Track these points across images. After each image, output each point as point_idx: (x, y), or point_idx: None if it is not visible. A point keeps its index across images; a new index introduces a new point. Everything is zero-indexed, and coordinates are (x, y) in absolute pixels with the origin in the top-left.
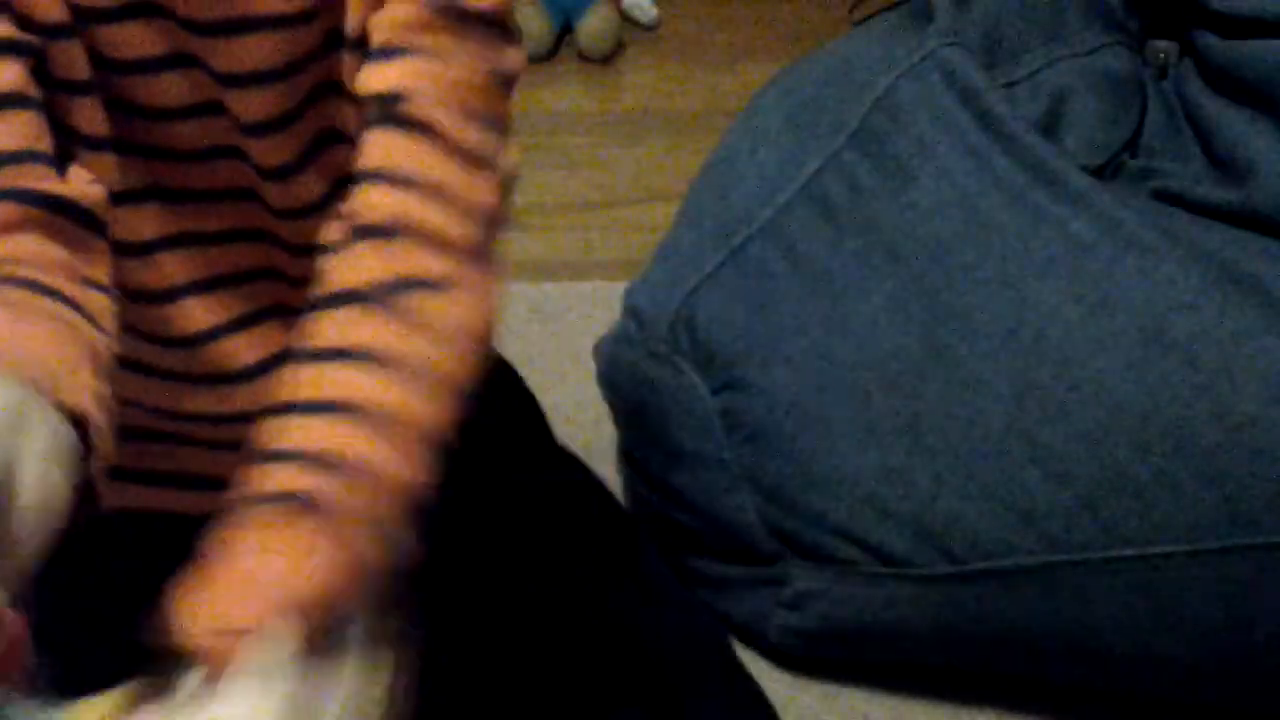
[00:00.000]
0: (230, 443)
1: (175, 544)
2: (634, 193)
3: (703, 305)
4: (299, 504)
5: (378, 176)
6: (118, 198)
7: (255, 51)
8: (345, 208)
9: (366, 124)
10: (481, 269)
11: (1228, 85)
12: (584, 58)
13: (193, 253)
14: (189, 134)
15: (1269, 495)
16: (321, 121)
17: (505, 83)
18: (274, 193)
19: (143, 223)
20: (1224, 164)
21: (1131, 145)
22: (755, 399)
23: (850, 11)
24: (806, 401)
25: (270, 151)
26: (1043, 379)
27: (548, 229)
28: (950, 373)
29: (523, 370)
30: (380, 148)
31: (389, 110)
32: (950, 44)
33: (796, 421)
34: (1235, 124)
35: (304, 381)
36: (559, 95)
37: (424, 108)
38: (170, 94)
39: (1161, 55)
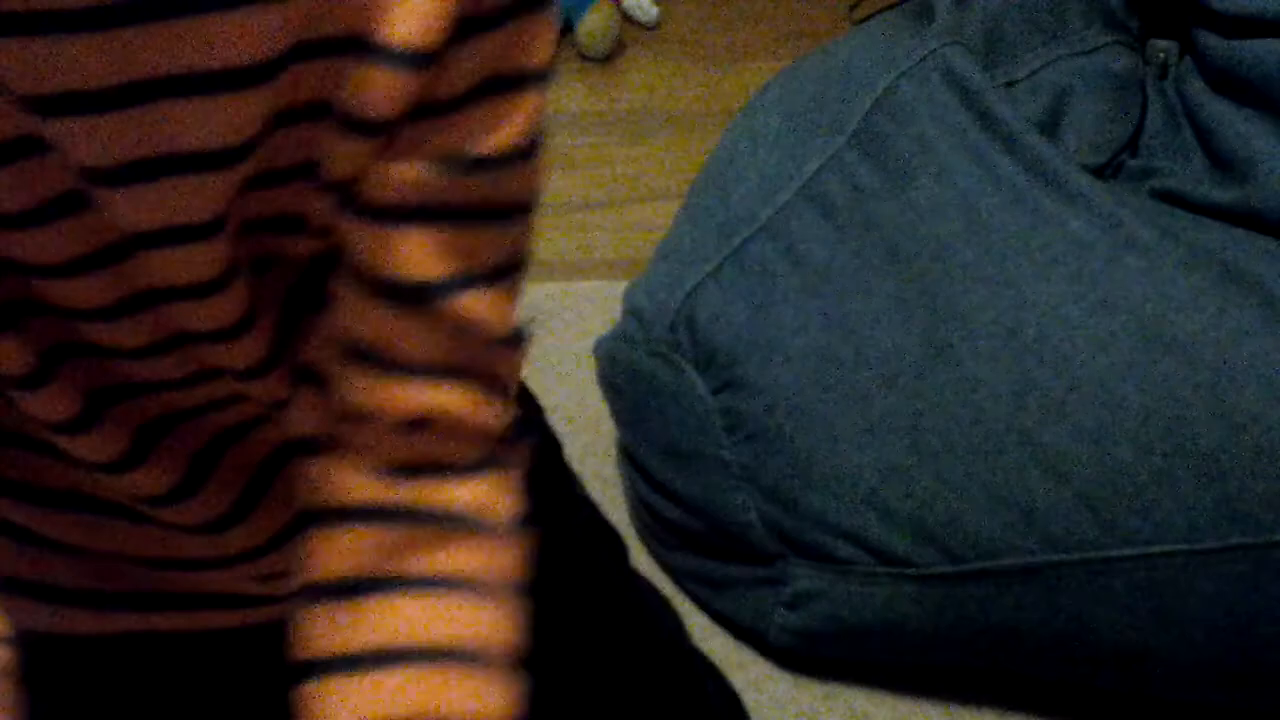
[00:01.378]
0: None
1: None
2: (634, 193)
3: (703, 305)
4: None
5: (386, 365)
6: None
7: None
8: (338, 391)
9: (369, 294)
10: (503, 454)
11: (1228, 85)
12: (584, 58)
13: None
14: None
15: (1269, 495)
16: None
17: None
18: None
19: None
20: (1224, 164)
21: (1131, 145)
22: (755, 399)
23: (850, 11)
24: (806, 401)
25: (233, 348)
26: (1043, 379)
27: (548, 229)
28: (950, 372)
29: (523, 370)
30: (390, 330)
31: (411, 295)
32: (950, 44)
33: (796, 421)
34: (1235, 124)
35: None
36: (559, 95)
37: (459, 297)
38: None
39: (1161, 55)
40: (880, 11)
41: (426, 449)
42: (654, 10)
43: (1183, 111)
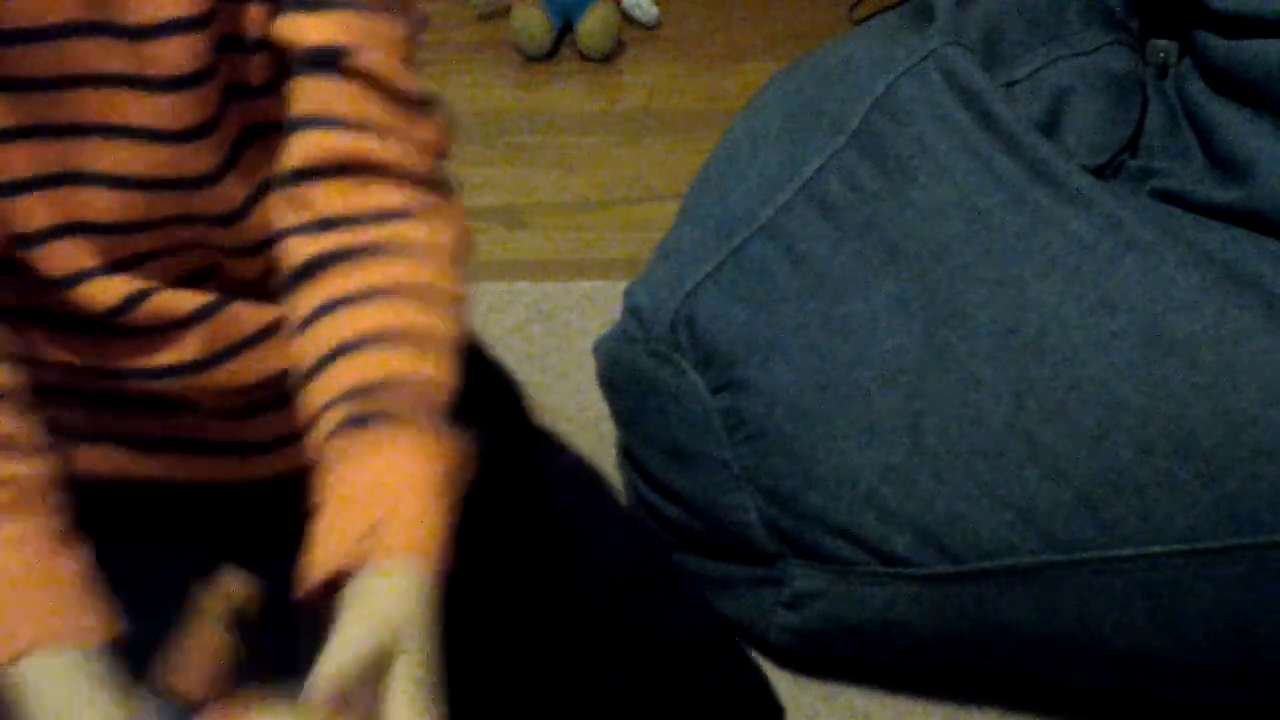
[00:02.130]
0: (170, 400)
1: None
2: (634, 193)
3: (703, 305)
4: (374, 422)
5: (312, 123)
6: None
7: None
8: (281, 161)
9: (294, 73)
10: (439, 195)
11: (1228, 85)
12: (584, 58)
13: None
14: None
15: (1269, 495)
16: (244, 120)
17: (414, 41)
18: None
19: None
20: (1224, 164)
21: (1131, 145)
22: (755, 399)
23: (850, 11)
24: (806, 401)
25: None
26: (1043, 379)
27: (548, 229)
28: (950, 373)
29: (523, 370)
30: (313, 95)
31: (324, 61)
32: (951, 44)
33: (796, 421)
34: (1235, 124)
35: (322, 332)
36: (559, 95)
37: (363, 59)
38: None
39: (1161, 55)
40: (880, 11)
41: (356, 197)
42: (654, 10)
43: (1183, 111)
